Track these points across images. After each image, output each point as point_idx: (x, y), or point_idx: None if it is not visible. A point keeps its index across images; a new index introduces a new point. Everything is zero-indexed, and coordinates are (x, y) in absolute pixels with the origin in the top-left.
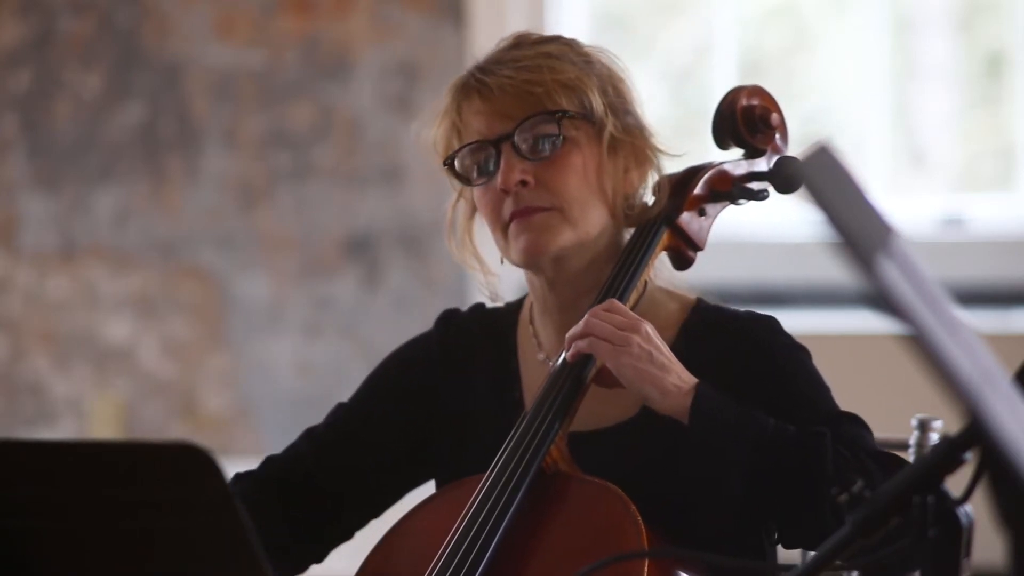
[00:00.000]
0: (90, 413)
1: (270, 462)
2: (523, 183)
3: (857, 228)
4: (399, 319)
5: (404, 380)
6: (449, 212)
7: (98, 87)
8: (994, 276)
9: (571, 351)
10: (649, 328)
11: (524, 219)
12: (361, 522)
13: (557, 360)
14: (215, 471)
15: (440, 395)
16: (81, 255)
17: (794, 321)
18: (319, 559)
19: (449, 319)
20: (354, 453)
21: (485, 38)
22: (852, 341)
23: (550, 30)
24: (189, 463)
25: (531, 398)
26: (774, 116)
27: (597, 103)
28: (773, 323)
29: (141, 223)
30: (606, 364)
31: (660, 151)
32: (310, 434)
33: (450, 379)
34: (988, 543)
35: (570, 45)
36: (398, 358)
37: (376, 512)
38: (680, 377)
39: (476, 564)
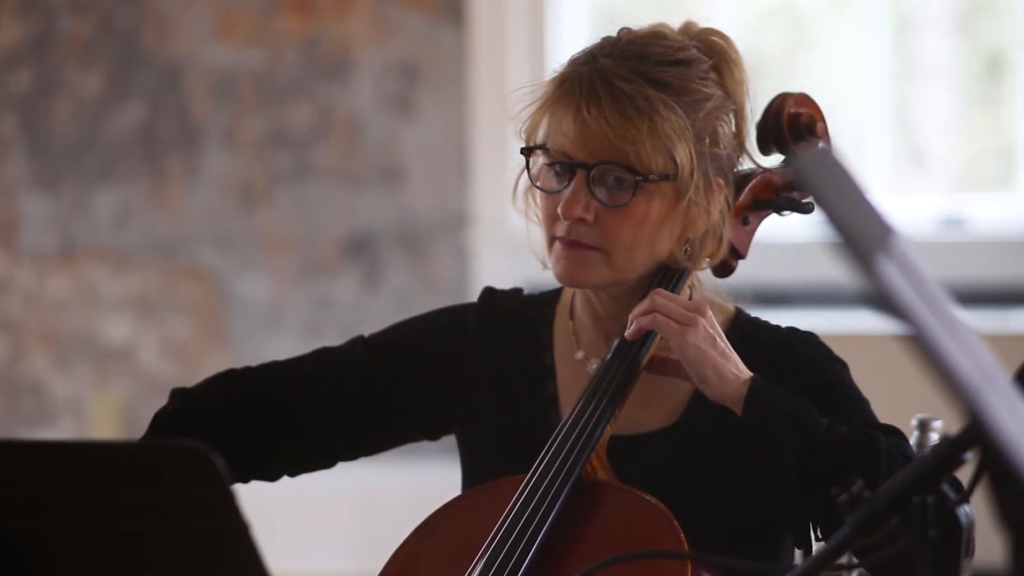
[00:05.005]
0: (90, 413)
1: (272, 368)
2: (581, 220)
3: (857, 228)
4: (399, 319)
5: (433, 347)
6: (515, 177)
7: (98, 87)
8: (994, 276)
9: (633, 328)
10: (711, 314)
11: (569, 249)
12: (316, 462)
13: (612, 344)
14: (216, 472)
15: (466, 375)
16: (81, 255)
17: (794, 321)
18: (266, 478)
19: (490, 299)
20: (345, 394)
21: (485, 38)
22: (852, 341)
23: (550, 31)
24: (189, 464)
25: (566, 396)
26: (819, 125)
27: (685, 161)
28: (814, 339)
29: (141, 223)
30: (670, 343)
31: (752, 151)
32: (320, 357)
33: (480, 361)
34: (988, 543)
35: (691, 77)
36: (435, 321)
37: (332, 460)
38: (738, 367)
39: (515, 570)
